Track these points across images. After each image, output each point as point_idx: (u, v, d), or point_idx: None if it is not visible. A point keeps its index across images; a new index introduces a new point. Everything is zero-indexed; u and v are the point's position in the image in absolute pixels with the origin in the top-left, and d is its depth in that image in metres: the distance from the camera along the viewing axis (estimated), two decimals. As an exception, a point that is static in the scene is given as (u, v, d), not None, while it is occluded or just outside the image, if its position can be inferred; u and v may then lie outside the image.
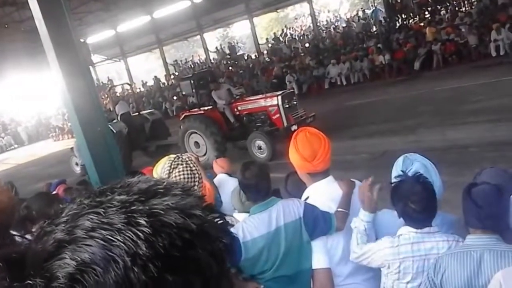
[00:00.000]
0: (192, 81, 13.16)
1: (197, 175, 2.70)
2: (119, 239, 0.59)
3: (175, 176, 2.62)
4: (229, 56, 30.89)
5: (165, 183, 0.70)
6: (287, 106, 11.83)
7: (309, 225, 2.76)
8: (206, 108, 13.08)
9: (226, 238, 0.69)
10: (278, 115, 11.84)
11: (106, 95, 24.45)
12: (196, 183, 2.68)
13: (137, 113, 15.71)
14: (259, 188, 2.84)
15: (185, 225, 0.62)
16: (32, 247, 0.64)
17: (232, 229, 2.34)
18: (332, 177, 3.00)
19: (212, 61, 31.72)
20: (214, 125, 12.31)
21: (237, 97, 13.07)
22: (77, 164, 15.80)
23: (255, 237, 2.72)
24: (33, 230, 4.21)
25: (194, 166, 2.72)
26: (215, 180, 4.69)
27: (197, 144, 12.71)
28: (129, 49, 35.38)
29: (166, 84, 31.90)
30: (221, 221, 0.71)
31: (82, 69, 6.73)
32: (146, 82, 33.61)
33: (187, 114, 13.09)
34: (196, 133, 12.58)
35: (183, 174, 2.64)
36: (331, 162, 2.95)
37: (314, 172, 2.92)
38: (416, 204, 2.49)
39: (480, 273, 2.23)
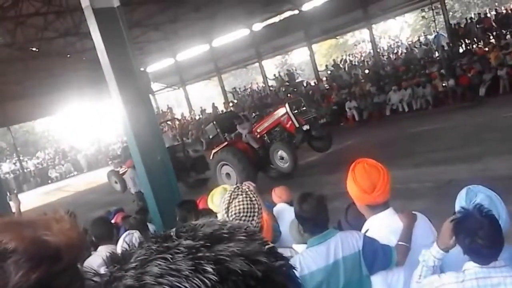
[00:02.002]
0: (214, 122, 14.08)
1: (256, 205, 2.67)
2: (187, 286, 0.59)
3: (235, 206, 2.60)
4: (288, 83, 30.97)
5: (228, 226, 0.70)
6: (296, 111, 12.76)
7: (368, 259, 2.69)
8: (230, 139, 13.69)
9: (291, 285, 0.69)
10: (290, 122, 12.70)
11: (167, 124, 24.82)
12: (256, 214, 2.64)
13: (181, 153, 15.82)
14: (317, 220, 2.80)
15: (250, 272, 0.62)
16: None
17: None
18: (392, 209, 2.92)
19: (271, 88, 31.90)
20: (243, 156, 12.79)
21: None
22: (116, 182, 16.35)
23: (313, 270, 2.67)
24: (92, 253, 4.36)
25: (254, 196, 2.69)
26: (274, 209, 4.64)
27: (228, 175, 13.06)
28: (188, 77, 36.05)
29: (224, 111, 32.33)
30: (286, 267, 0.70)
31: (142, 98, 6.89)
32: (205, 109, 34.17)
33: (215, 151, 13.52)
34: (227, 164, 12.98)
35: (243, 205, 2.62)
36: (393, 191, 2.89)
37: (373, 204, 2.86)
38: (484, 239, 2.35)
39: None
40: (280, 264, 0.68)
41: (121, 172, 16.33)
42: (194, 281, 0.59)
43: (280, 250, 2.33)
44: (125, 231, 5.32)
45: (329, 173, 11.44)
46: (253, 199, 2.68)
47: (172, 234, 0.69)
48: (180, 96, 41.15)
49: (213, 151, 13.61)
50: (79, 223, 6.94)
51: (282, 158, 12.35)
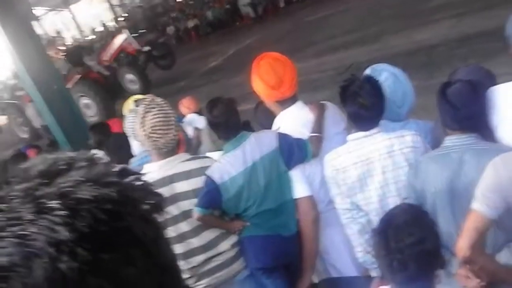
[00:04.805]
0: (64, 58, 14.40)
1: (172, 118, 2.61)
2: (35, 231, 0.51)
3: (150, 120, 2.52)
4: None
5: (63, 157, 0.61)
6: (136, 35, 14.42)
7: (284, 155, 2.70)
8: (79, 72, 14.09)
9: (152, 198, 0.62)
10: (132, 45, 14.00)
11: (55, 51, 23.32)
12: (173, 127, 2.58)
13: None
14: (229, 125, 2.74)
15: (103, 196, 0.55)
16: None
17: (207, 172, 2.23)
18: (301, 102, 2.90)
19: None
20: (96, 85, 13.44)
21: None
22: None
23: (233, 176, 2.66)
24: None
25: (168, 109, 2.61)
26: (185, 121, 4.61)
27: (87, 106, 13.47)
28: (71, -4, 33.49)
29: (116, 28, 30.47)
30: (141, 182, 0.63)
31: (25, 26, 6.44)
32: (95, 29, 32.10)
33: (69, 86, 13.53)
34: (84, 96, 13.41)
35: (158, 117, 2.53)
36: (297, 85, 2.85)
37: (282, 99, 2.82)
38: (364, 99, 2.39)
39: (462, 173, 2.15)
40: (133, 179, 0.62)
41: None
42: (42, 224, 0.51)
43: (200, 160, 2.25)
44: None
45: (234, 75, 11.32)
46: (168, 111, 2.62)
47: None
48: (67, 18, 38.36)
49: (67, 85, 13.48)
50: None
51: (132, 81, 13.37)
